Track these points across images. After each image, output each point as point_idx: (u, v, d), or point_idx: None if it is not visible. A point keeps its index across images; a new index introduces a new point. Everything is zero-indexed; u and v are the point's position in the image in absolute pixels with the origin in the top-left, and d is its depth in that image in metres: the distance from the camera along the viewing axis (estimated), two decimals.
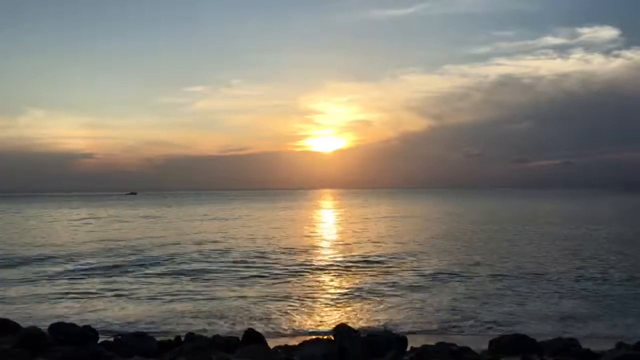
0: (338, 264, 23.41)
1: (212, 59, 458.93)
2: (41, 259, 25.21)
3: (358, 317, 14.16)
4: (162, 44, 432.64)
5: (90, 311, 14.87)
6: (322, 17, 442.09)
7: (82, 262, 24.21)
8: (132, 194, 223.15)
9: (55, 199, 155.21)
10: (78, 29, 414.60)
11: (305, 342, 10.12)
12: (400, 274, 20.34)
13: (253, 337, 10.51)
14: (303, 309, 15.08)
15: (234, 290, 17.66)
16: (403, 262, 23.59)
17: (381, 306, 15.30)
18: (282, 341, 11.29)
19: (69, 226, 48.23)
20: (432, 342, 10.37)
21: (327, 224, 50.65)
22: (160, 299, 16.48)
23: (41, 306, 15.68)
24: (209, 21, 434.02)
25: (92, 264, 23.59)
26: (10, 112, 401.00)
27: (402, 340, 10.12)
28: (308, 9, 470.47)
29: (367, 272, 20.99)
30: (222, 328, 12.95)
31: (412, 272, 20.89)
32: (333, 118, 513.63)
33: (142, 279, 19.89)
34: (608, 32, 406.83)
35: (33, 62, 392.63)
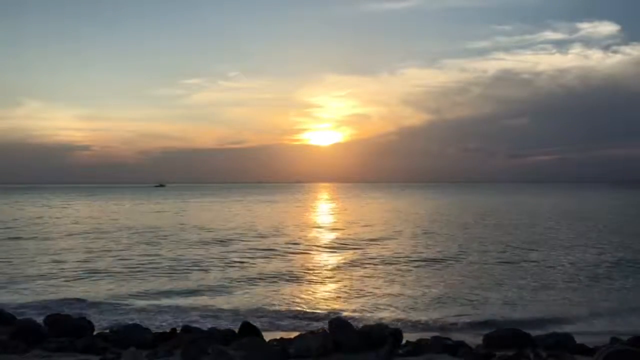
0: (329, 248, 23.57)
1: (209, 51, 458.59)
2: None
3: (352, 309, 14.18)
4: (159, 36, 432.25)
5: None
6: (320, 10, 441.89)
7: None
8: (160, 186, 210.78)
9: (89, 191, 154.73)
10: (75, 20, 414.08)
11: (300, 335, 10.14)
12: (393, 266, 20.39)
13: (249, 330, 10.54)
14: (298, 301, 15.14)
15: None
16: (396, 252, 23.76)
17: (374, 298, 15.34)
18: (277, 334, 11.32)
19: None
20: (427, 336, 10.41)
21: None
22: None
23: None
24: (207, 13, 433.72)
25: None
26: (7, 103, 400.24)
27: (397, 333, 10.13)
28: (307, 2, 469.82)
29: (360, 266, 21.02)
30: (219, 321, 12.97)
31: (406, 262, 20.98)
32: (331, 112, 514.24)
33: None
34: (607, 28, 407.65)
35: (30, 53, 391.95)
